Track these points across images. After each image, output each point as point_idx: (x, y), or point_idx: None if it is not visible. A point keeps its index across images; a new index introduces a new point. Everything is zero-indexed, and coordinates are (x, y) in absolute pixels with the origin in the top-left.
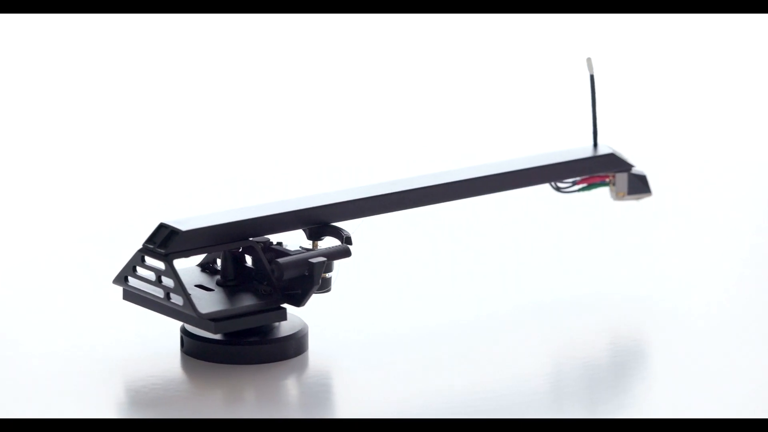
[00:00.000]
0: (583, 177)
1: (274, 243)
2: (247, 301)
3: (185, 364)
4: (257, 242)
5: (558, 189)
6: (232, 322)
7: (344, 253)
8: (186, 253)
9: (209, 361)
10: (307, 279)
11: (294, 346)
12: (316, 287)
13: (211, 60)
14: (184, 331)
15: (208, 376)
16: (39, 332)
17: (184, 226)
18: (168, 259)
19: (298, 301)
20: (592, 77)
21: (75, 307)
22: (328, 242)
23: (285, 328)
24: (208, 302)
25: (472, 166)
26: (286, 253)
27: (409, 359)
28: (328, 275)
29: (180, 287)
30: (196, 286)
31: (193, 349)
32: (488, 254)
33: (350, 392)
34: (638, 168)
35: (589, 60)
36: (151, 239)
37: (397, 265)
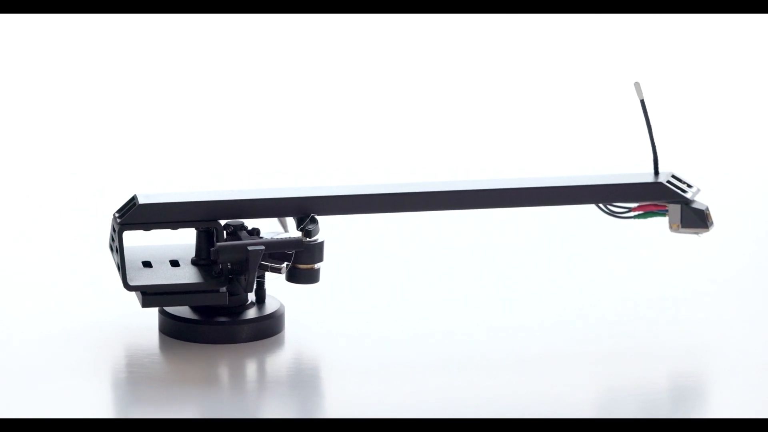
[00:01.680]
0: (640, 204)
1: (249, 228)
2: (188, 280)
3: (161, 343)
4: (229, 225)
5: (612, 213)
6: (163, 297)
7: (294, 244)
8: (144, 226)
9: (178, 339)
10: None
11: (246, 331)
12: (253, 274)
13: (218, 60)
14: (160, 309)
15: (181, 355)
16: (28, 302)
17: (144, 200)
18: (119, 229)
19: (244, 286)
20: (642, 102)
21: (67, 277)
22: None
23: (254, 311)
24: (150, 276)
25: (507, 178)
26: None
27: (404, 359)
28: (316, 266)
29: (120, 257)
30: (170, 261)
31: (162, 326)
32: (524, 271)
33: (315, 380)
34: (699, 201)
35: (637, 84)
36: (120, 209)
37: (440, 271)
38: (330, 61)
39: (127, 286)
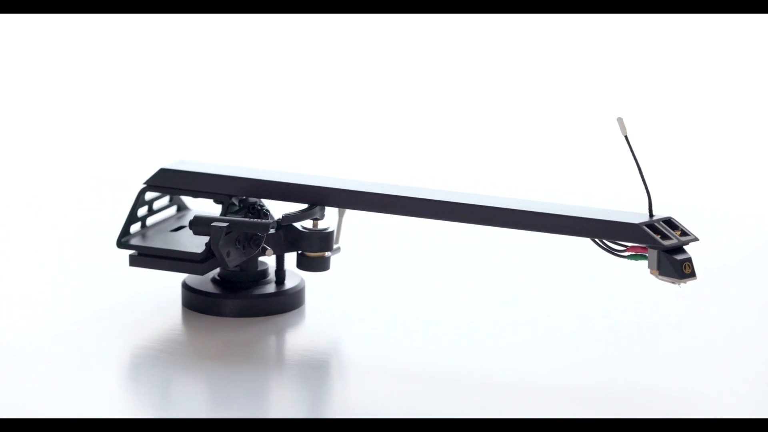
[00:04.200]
0: (632, 245)
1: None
2: (176, 247)
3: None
4: (243, 201)
5: (608, 249)
6: (148, 260)
7: (260, 227)
8: (165, 190)
9: (201, 312)
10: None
11: (230, 306)
12: (217, 249)
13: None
14: (182, 283)
15: (203, 329)
16: (47, 274)
17: (169, 165)
18: (140, 189)
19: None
20: (626, 138)
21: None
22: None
23: (270, 286)
24: (153, 239)
25: (504, 197)
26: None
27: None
28: (326, 254)
29: (128, 216)
30: None
31: (184, 300)
32: (538, 275)
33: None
34: (686, 252)
35: (620, 120)
36: None
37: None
38: (371, 62)
39: (119, 244)
